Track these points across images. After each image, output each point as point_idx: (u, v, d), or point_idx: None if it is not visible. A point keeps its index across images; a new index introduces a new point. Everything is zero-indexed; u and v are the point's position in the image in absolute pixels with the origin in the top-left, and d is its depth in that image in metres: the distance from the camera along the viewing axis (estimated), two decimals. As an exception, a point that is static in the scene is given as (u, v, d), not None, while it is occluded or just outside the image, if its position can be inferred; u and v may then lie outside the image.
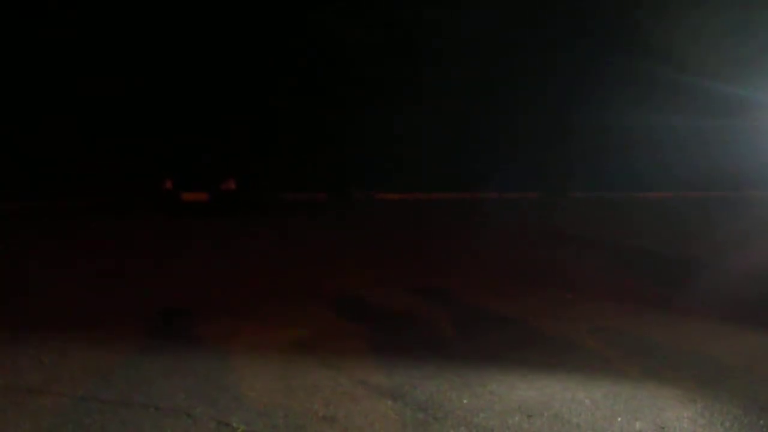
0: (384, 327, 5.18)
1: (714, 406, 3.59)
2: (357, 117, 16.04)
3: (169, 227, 11.58)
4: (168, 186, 13.19)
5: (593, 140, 16.17)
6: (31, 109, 14.71)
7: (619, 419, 3.43)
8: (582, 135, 16.33)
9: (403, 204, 15.61)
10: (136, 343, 4.60)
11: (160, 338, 4.77)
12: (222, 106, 15.61)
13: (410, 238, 10.40)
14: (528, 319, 5.36)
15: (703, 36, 14.73)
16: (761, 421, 3.42)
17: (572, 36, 16.18)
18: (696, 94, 15.18)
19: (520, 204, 15.61)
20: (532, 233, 10.86)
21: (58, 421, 3.38)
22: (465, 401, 3.64)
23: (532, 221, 12.82)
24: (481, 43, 16.05)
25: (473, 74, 16.40)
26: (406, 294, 6.27)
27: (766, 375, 4.11)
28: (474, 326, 5.21)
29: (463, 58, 16.17)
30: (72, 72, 14.95)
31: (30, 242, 9.84)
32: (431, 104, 16.26)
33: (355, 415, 3.47)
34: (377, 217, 13.76)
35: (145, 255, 8.63)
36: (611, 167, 16.03)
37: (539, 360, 4.28)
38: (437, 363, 4.19)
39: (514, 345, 4.65)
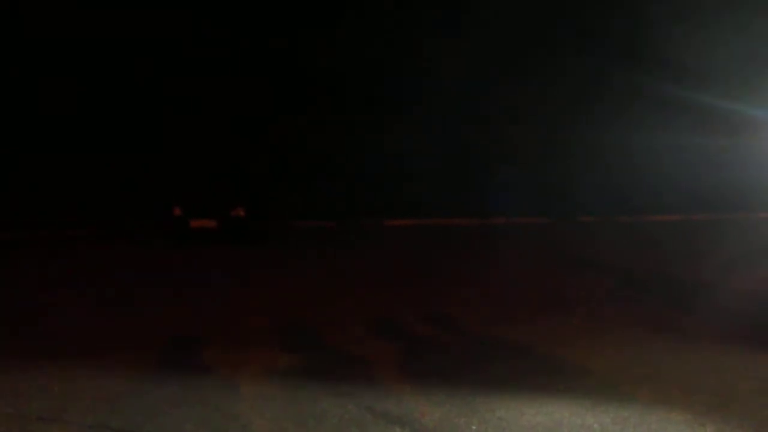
0: (393, 354, 5.17)
1: (724, 430, 3.57)
2: (364, 144, 16.14)
3: (178, 254, 11.60)
4: (176, 212, 13.25)
5: (601, 164, 16.21)
6: (41, 137, 14.88)
7: (629, 445, 3.42)
8: (590, 159, 16.37)
9: (411, 230, 15.59)
10: (145, 371, 4.62)
11: (169, 366, 4.79)
12: (231, 133, 15.74)
13: (419, 265, 10.38)
14: (537, 345, 5.34)
15: (716, 54, 14.74)
16: (772, 446, 3.40)
17: (582, 59, 16.28)
18: (706, 113, 15.18)
19: (530, 229, 15.57)
20: (543, 259, 10.82)
21: (68, 450, 3.40)
22: (474, 428, 3.63)
23: (542, 246, 12.77)
24: (489, 67, 16.18)
25: (480, 99, 16.51)
26: (415, 320, 6.26)
27: (776, 398, 4.08)
28: (483, 352, 5.20)
29: (470, 82, 16.29)
30: (80, 97, 15.16)
31: (39, 270, 9.92)
32: (438, 130, 16.35)
33: (363, 442, 3.48)
34: (386, 243, 13.74)
35: (154, 282, 8.65)
36: (620, 191, 16.04)
37: (548, 385, 4.27)
38: (446, 389, 4.18)
39: (523, 371, 4.64)
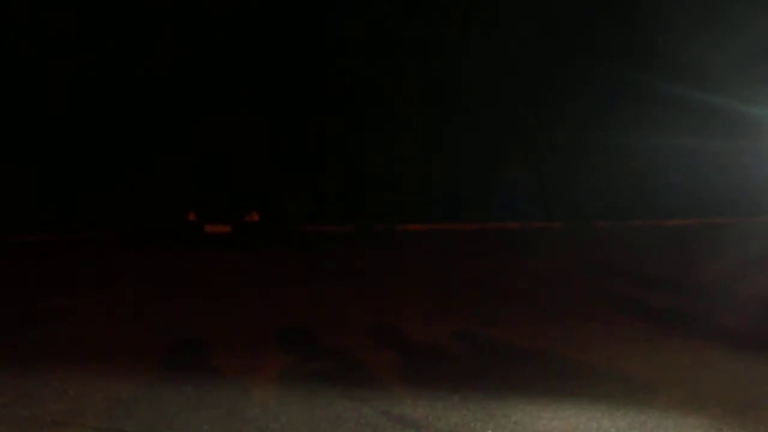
0: (409, 358, 5.16)
1: (742, 435, 3.56)
2: (379, 149, 16.11)
3: (192, 260, 11.59)
4: (191, 218, 13.25)
5: (616, 169, 16.13)
6: (54, 141, 14.93)
7: (647, 450, 3.41)
8: (605, 164, 16.27)
9: (426, 235, 15.53)
10: (159, 375, 4.62)
11: (184, 370, 4.78)
12: (245, 138, 15.72)
13: (434, 270, 10.32)
14: (553, 349, 5.31)
15: (738, 58, 14.59)
16: (792, 452, 3.38)
17: (599, 63, 16.16)
18: (725, 117, 15.01)
19: (543, 233, 15.49)
20: (557, 263, 10.75)
21: (85, 453, 3.40)
22: (489, 432, 3.62)
23: (556, 251, 12.69)
24: (501, 74, 16.13)
25: (493, 104, 16.46)
26: (431, 325, 6.23)
27: (793, 403, 4.05)
28: (500, 357, 5.19)
29: (484, 88, 16.24)
30: (98, 104, 15.21)
31: (54, 273, 9.95)
32: (451, 135, 16.31)
33: (380, 446, 3.47)
34: (401, 248, 13.68)
35: (168, 287, 8.66)
36: (635, 195, 15.96)
37: (564, 390, 4.25)
38: (462, 394, 4.17)
39: (540, 375, 4.62)
